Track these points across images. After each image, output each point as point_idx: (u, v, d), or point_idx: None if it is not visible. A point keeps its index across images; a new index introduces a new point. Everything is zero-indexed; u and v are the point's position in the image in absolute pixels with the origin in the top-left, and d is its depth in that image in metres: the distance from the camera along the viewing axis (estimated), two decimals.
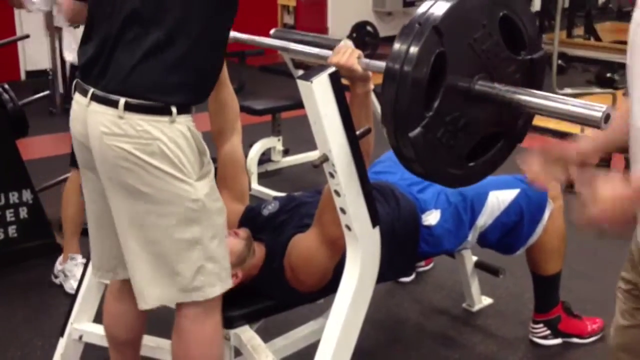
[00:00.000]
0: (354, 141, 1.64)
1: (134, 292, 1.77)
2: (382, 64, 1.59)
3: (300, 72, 3.63)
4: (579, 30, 8.49)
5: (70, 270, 2.96)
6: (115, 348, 2.04)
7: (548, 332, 2.57)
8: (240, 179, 2.27)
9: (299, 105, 1.76)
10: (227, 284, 1.79)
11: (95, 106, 1.66)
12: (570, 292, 2.72)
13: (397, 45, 1.46)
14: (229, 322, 2.02)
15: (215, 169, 1.82)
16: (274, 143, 4.19)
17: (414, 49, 1.41)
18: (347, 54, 1.74)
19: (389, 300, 2.91)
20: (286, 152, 4.35)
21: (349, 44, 1.74)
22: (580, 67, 7.38)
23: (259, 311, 2.09)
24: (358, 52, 1.75)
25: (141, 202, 1.67)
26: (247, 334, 2.02)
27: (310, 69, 1.63)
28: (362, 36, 8.08)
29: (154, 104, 1.63)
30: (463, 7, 1.42)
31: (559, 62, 6.79)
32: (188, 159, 1.67)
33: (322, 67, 1.59)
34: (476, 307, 2.84)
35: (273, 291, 2.08)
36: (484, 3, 1.44)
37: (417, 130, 1.46)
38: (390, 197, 2.23)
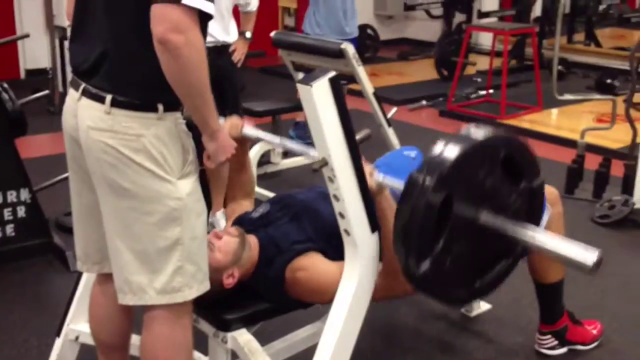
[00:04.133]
0: (353, 146, 1.64)
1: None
2: (395, 181, 1.76)
3: (301, 74, 3.63)
4: (579, 36, 8.48)
5: None
6: (102, 352, 2.03)
7: (556, 342, 2.56)
8: (248, 191, 2.40)
9: (299, 107, 1.77)
10: (204, 286, 1.79)
11: (85, 101, 1.69)
12: (569, 297, 2.71)
13: (406, 190, 1.55)
14: (226, 325, 2.02)
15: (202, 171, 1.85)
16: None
17: (422, 195, 1.50)
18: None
19: (386, 304, 2.88)
20: (286, 154, 4.35)
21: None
22: (581, 73, 7.37)
23: (257, 314, 2.08)
24: (369, 168, 1.82)
25: (124, 199, 1.68)
26: (244, 337, 2.00)
27: (311, 73, 1.62)
28: (363, 39, 8.07)
29: (140, 100, 1.65)
30: (468, 155, 1.52)
31: (560, 67, 6.80)
32: (172, 157, 1.68)
33: (322, 71, 1.59)
34: (474, 313, 2.83)
35: (269, 294, 2.07)
36: (484, 150, 1.56)
37: (427, 263, 1.54)
38: None
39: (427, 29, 9.00)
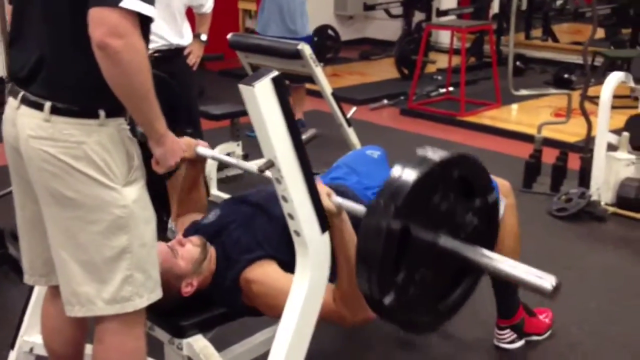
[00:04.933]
0: (299, 146, 1.63)
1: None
2: (352, 205, 1.77)
3: None
4: (537, 32, 8.60)
5: None
6: None
7: (515, 336, 2.59)
8: (198, 201, 2.37)
9: None
10: (155, 294, 1.77)
11: (24, 109, 1.66)
12: (525, 292, 2.74)
13: (365, 224, 1.53)
14: (181, 332, 2.00)
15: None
16: (233, 148, 4.16)
17: (380, 230, 1.49)
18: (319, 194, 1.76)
19: None
20: (246, 157, 4.32)
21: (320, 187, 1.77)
22: (539, 69, 7.48)
23: (213, 319, 2.06)
24: (327, 190, 1.79)
25: (68, 208, 1.64)
26: (199, 343, 1.99)
27: (253, 73, 1.61)
28: (324, 39, 8.09)
29: (80, 107, 1.62)
30: (421, 184, 1.50)
31: (518, 63, 6.90)
32: (116, 164, 1.65)
33: (265, 71, 1.57)
34: None
35: (226, 304, 2.06)
36: (438, 174, 1.53)
37: (391, 295, 1.53)
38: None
39: (388, 29, 9.04)
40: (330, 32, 8.25)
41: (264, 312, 2.00)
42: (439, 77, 7.02)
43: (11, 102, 1.70)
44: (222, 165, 4.11)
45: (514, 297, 2.56)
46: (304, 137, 1.66)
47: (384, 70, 7.67)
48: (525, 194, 4.09)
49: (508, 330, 2.58)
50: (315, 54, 3.46)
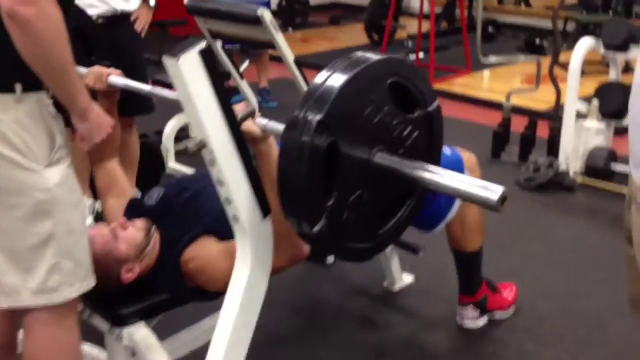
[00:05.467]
0: (234, 125, 1.49)
1: None
2: (280, 126, 1.54)
3: (219, 43, 3.45)
4: None
5: None
6: None
7: (477, 313, 2.50)
8: (118, 182, 2.18)
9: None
10: (87, 283, 1.65)
11: None
12: (491, 264, 2.66)
13: (284, 143, 1.36)
14: (121, 320, 1.89)
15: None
16: None
17: (302, 148, 1.32)
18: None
19: (307, 280, 2.80)
20: None
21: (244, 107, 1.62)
22: (510, 34, 7.35)
23: (155, 306, 1.94)
24: (252, 112, 1.63)
25: None
26: (140, 332, 1.87)
27: (179, 44, 1.46)
28: (292, 3, 7.88)
29: None
30: (348, 91, 1.32)
31: (489, 29, 6.77)
32: (36, 144, 1.52)
33: (191, 42, 1.43)
34: (397, 286, 2.75)
35: (169, 288, 1.94)
36: (368, 80, 1.35)
37: (322, 222, 1.37)
38: None
39: None
40: None
41: (207, 288, 1.87)
42: (410, 43, 6.86)
43: None
44: (180, 136, 3.96)
45: (477, 273, 2.47)
46: (240, 114, 1.51)
47: (354, 35, 7.49)
48: (494, 164, 4.00)
49: (470, 307, 2.49)
50: (283, 18, 3.29)
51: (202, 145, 1.47)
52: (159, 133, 3.81)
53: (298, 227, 1.41)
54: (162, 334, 1.97)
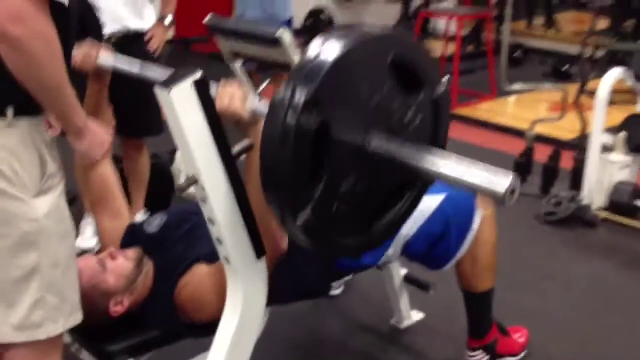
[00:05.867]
0: (229, 160, 1.40)
1: None
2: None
3: (238, 62, 3.38)
4: (540, 20, 8.31)
5: (81, 228, 3.14)
6: None
7: (487, 357, 2.37)
8: (117, 199, 2.05)
9: None
10: (73, 319, 1.56)
11: None
12: (506, 302, 2.54)
13: (267, 122, 1.23)
14: (108, 357, 1.80)
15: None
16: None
17: (287, 128, 1.18)
18: (228, 99, 1.48)
19: (310, 315, 2.69)
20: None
21: (229, 88, 1.49)
22: (538, 59, 7.21)
23: (145, 343, 1.86)
24: (240, 94, 1.50)
25: None
26: None
27: (172, 73, 1.38)
28: (317, 23, 7.82)
29: None
30: (343, 66, 1.19)
31: (516, 53, 6.64)
32: (26, 172, 1.44)
33: (186, 71, 1.35)
34: (405, 324, 2.64)
35: (161, 323, 1.85)
36: (367, 55, 1.22)
37: (307, 212, 1.24)
38: None
39: (386, 13, 8.75)
40: (322, 16, 7.97)
41: (198, 317, 1.77)
42: None
43: None
44: None
45: (487, 315, 2.36)
46: (236, 148, 1.43)
47: None
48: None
49: (480, 351, 2.37)
50: (308, 37, 3.21)
51: (193, 181, 1.38)
52: (173, 152, 3.74)
53: (280, 217, 1.27)
54: None
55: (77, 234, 3.16)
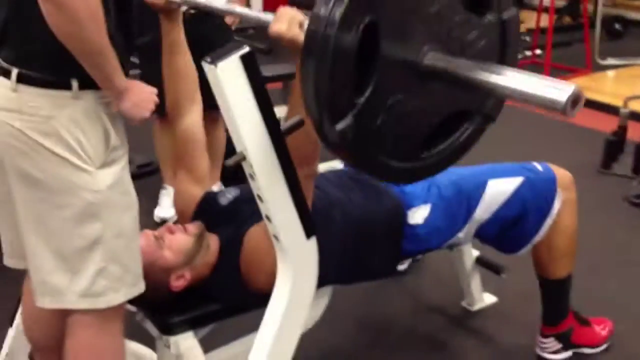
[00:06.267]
0: (277, 137, 1.37)
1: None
2: None
3: None
4: None
5: (160, 198, 3.17)
6: (37, 353, 1.87)
7: (560, 346, 2.27)
8: (199, 159, 2.03)
9: None
10: (135, 290, 1.59)
11: None
12: (585, 290, 2.41)
13: (315, 12, 1.14)
14: (169, 329, 1.80)
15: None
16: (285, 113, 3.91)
17: (331, 21, 1.09)
18: (287, 23, 1.38)
19: (378, 294, 2.64)
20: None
21: (289, 10, 1.40)
22: (639, 32, 6.80)
23: (205, 316, 1.85)
24: (300, 18, 1.40)
25: (36, 189, 1.47)
26: (187, 342, 1.79)
27: (220, 49, 1.35)
28: None
29: (50, 76, 1.43)
30: None
31: (616, 26, 6.28)
32: (90, 144, 1.46)
33: (233, 47, 1.31)
34: (477, 307, 2.56)
35: (224, 292, 1.84)
36: None
37: (347, 120, 1.16)
38: (370, 189, 1.97)
39: None
40: None
41: (261, 280, 1.72)
42: (527, 38, 6.49)
43: None
44: None
45: (563, 302, 2.24)
46: (285, 125, 1.39)
47: None
48: (603, 175, 3.67)
49: (552, 339, 2.26)
50: None
51: (241, 157, 1.35)
52: None
53: (318, 123, 1.18)
54: (215, 344, 1.90)
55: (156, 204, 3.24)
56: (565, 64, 5.58)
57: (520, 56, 5.89)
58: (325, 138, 1.19)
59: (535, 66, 5.67)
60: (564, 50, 5.92)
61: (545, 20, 5.85)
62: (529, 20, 6.64)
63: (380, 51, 1.13)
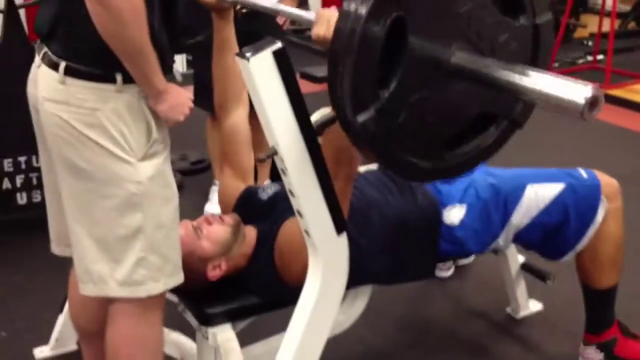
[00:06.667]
0: (309, 132, 1.38)
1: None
2: None
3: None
4: None
5: (210, 194, 3.16)
6: (83, 339, 1.93)
7: (601, 356, 2.21)
8: (244, 155, 2.08)
9: None
10: (175, 279, 1.63)
11: (44, 68, 1.55)
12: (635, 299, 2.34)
13: (344, 7, 1.15)
14: (208, 320, 1.84)
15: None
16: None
17: (358, 15, 1.10)
18: (325, 25, 1.39)
19: (420, 296, 2.63)
20: None
21: (327, 12, 1.41)
22: None
23: (243, 309, 1.88)
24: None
25: (81, 179, 1.53)
26: (224, 335, 1.82)
27: (254, 44, 1.37)
28: None
29: (96, 69, 1.48)
30: None
31: None
32: (133, 136, 1.51)
33: (267, 42, 1.33)
34: (521, 314, 2.51)
35: (260, 284, 1.87)
36: None
37: (369, 112, 1.16)
38: (406, 189, 1.98)
39: None
40: None
41: (295, 272, 1.72)
42: (589, 43, 6.34)
43: (36, 60, 1.61)
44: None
45: (607, 312, 2.19)
46: (316, 120, 1.40)
47: None
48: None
49: (594, 348, 2.20)
50: None
51: (273, 152, 1.37)
52: None
53: (341, 114, 1.19)
54: (254, 339, 1.92)
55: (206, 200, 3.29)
56: (628, 70, 5.42)
57: (581, 60, 5.78)
58: (348, 129, 1.19)
59: (595, 71, 5.53)
60: (627, 56, 5.76)
61: (606, 25, 5.70)
62: (592, 24, 6.49)
63: (408, 46, 1.13)
